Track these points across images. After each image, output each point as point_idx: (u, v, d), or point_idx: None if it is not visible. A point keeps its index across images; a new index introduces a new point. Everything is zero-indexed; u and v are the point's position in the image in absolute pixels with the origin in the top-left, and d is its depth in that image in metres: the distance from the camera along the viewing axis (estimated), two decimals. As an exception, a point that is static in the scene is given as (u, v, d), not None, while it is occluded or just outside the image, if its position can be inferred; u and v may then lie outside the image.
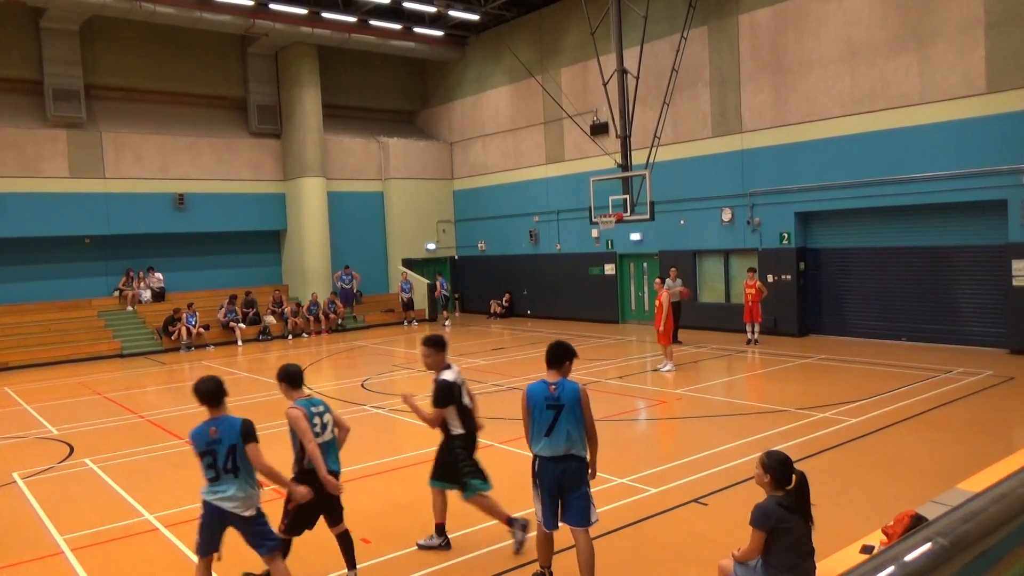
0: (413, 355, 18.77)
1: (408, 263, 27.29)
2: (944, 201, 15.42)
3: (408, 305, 25.43)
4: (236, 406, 13.01)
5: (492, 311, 26.22)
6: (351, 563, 5.64)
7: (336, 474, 5.62)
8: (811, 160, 17.40)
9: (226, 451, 5.06)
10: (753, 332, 17.16)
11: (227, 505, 5.03)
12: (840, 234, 17.72)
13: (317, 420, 5.59)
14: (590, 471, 5.34)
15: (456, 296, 28.66)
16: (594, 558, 5.18)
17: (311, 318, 23.61)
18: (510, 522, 6.11)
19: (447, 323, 24.88)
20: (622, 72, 19.23)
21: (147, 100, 24.05)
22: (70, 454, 10.11)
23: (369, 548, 6.36)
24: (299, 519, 5.58)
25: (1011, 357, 14.21)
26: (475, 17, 24.19)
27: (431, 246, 27.95)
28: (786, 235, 18.09)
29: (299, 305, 23.96)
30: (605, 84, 19.62)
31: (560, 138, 23.79)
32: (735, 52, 18.80)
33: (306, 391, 5.72)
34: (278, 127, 25.57)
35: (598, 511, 5.41)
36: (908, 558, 1.53)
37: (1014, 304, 14.58)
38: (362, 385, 14.42)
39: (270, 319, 23.33)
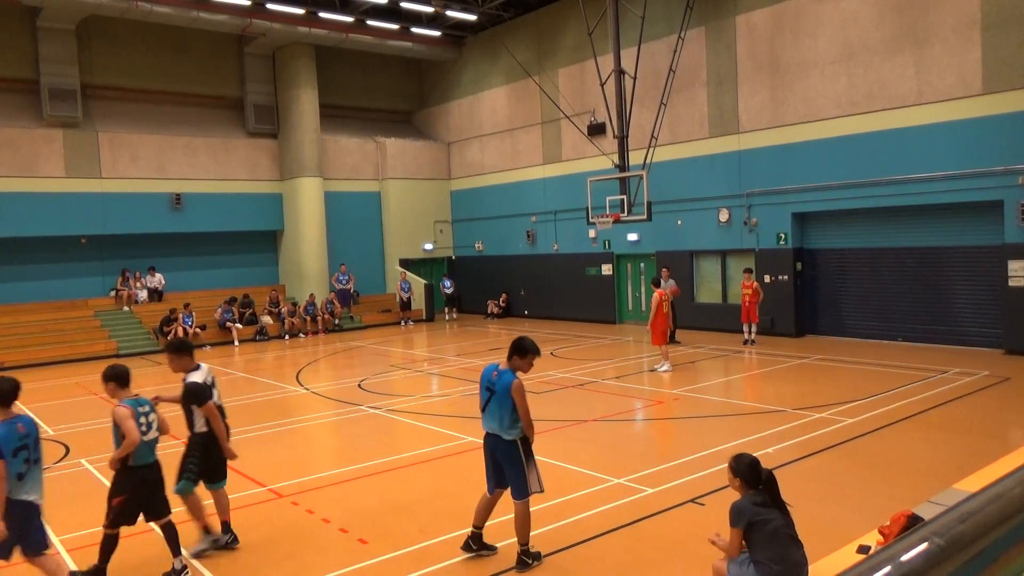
0: (411, 355, 18.77)
1: (405, 263, 27.28)
2: (940, 202, 15.45)
3: (406, 305, 25.41)
4: (231, 406, 13.02)
5: (489, 311, 26.22)
6: (176, 550, 5.90)
7: (153, 466, 5.90)
8: (808, 161, 17.42)
9: (33, 444, 5.39)
10: (750, 332, 17.18)
11: (40, 500, 5.32)
12: (837, 235, 17.75)
13: (143, 419, 5.76)
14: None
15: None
16: (527, 524, 5.82)
17: (308, 318, 23.58)
18: (206, 529, 6.40)
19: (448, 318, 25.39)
20: (619, 72, 19.24)
21: (144, 100, 24.01)
22: (66, 454, 10.08)
23: (366, 549, 6.35)
24: (122, 514, 5.77)
25: (1007, 357, 14.25)
26: (472, 17, 24.19)
27: (428, 246, 27.94)
28: (783, 235, 18.12)
29: (295, 305, 23.92)
30: (602, 84, 19.64)
31: (557, 138, 23.79)
32: (732, 53, 18.82)
33: (133, 391, 5.80)
34: (275, 127, 25.54)
35: (599, 509, 5.44)
36: (904, 558, 1.53)
37: (1010, 304, 14.62)
38: (359, 385, 14.41)
39: (267, 319, 23.30)
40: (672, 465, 8.31)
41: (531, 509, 5.93)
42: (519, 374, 5.88)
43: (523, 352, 5.87)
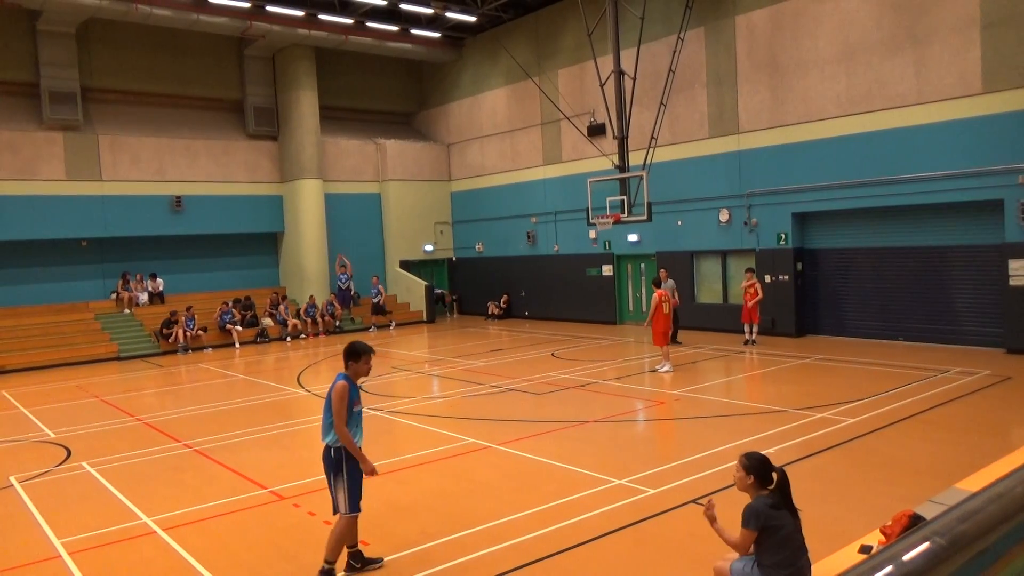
0: (412, 357, 18.76)
1: (406, 265, 27.28)
2: (941, 201, 15.45)
3: (378, 309, 24.38)
4: (232, 408, 13.05)
5: (490, 312, 26.22)
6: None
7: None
8: (808, 161, 17.42)
9: None
10: (751, 333, 17.18)
11: None
12: (837, 234, 17.75)
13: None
14: (363, 466, 5.71)
15: (454, 298, 28.65)
16: (335, 540, 5.66)
17: (308, 320, 23.58)
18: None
19: (372, 330, 24.35)
20: (619, 73, 19.24)
21: (144, 102, 24.03)
22: (67, 457, 10.08)
23: (367, 550, 6.34)
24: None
25: (1008, 357, 14.24)
26: (472, 19, 24.20)
27: (429, 248, 27.94)
28: (783, 235, 18.11)
29: (294, 302, 23.90)
30: (602, 85, 19.64)
31: (557, 139, 23.80)
32: (732, 53, 18.83)
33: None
34: (275, 129, 25.56)
35: (600, 510, 5.41)
36: (906, 557, 1.53)
37: (1011, 304, 14.61)
38: (360, 387, 14.39)
39: (267, 321, 23.30)
40: (673, 466, 8.31)
41: (524, 512, 5.90)
42: (360, 380, 5.90)
43: (356, 356, 5.82)
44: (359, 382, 5.94)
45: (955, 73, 14.98)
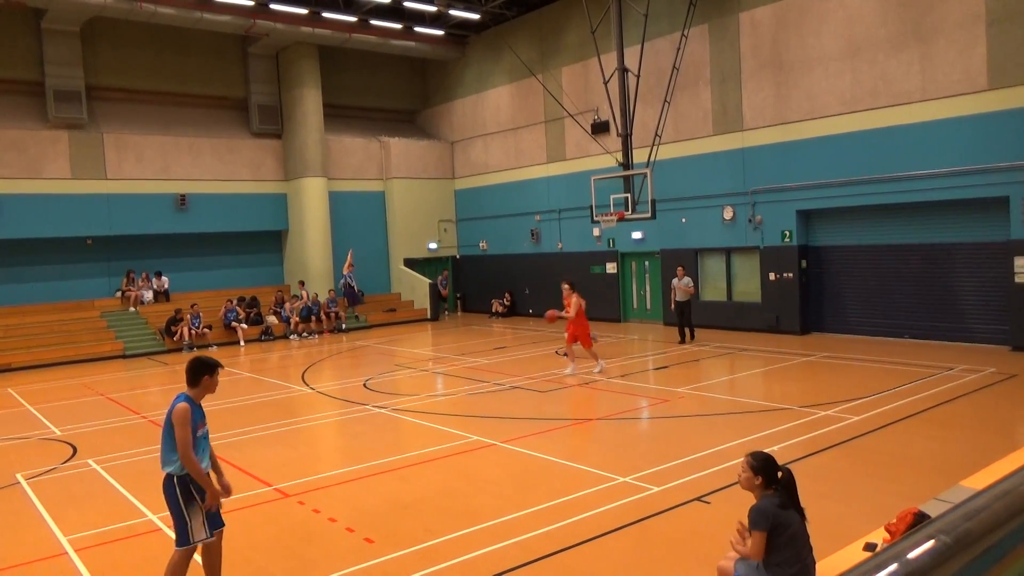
0: (416, 355, 18.78)
1: (410, 263, 27.30)
2: (946, 198, 15.40)
3: (354, 299, 23.51)
4: (237, 406, 13.08)
5: (493, 310, 26.22)
6: None
7: None
8: (812, 158, 17.38)
9: None
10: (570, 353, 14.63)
11: None
12: (842, 232, 17.70)
13: None
14: (208, 493, 5.18)
15: (457, 296, 28.68)
16: (170, 572, 5.16)
17: (313, 318, 23.61)
18: None
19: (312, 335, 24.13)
20: (623, 70, 19.21)
21: (148, 101, 24.07)
22: (73, 455, 10.12)
23: (372, 548, 6.36)
24: None
25: (1013, 354, 14.19)
26: (475, 16, 24.18)
27: (433, 245, 27.96)
28: (788, 233, 18.08)
29: (297, 298, 23.88)
30: (606, 83, 19.60)
31: (561, 137, 23.78)
32: (736, 50, 18.78)
33: None
34: (279, 127, 25.59)
35: (604, 508, 5.39)
36: (911, 555, 1.53)
37: (1016, 301, 14.56)
38: (364, 385, 14.43)
39: (272, 319, 23.34)
40: (677, 463, 8.31)
41: (532, 508, 5.89)
42: (207, 397, 5.31)
43: (201, 373, 5.24)
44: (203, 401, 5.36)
45: (960, 70, 14.92)
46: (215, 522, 5.32)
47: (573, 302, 13.93)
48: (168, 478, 5.16)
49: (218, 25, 22.33)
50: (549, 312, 14.84)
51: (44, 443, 10.98)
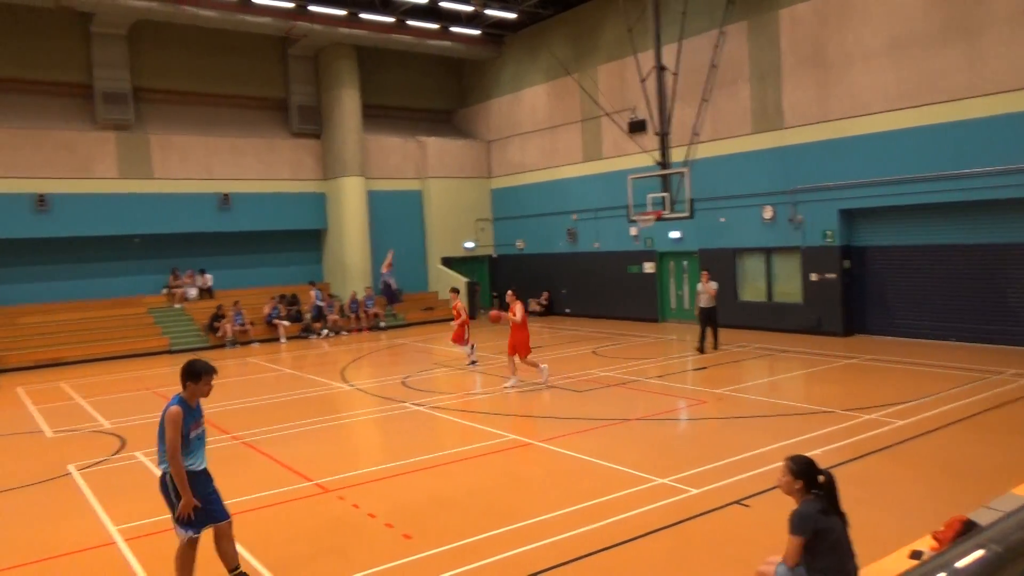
0: (454, 353, 18.87)
1: (447, 262, 27.46)
2: (996, 197, 14.97)
3: (318, 315, 23.47)
4: (279, 402, 13.30)
5: (531, 310, 26.24)
6: None
7: None
8: (856, 156, 17.04)
9: None
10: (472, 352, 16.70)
11: None
12: (886, 231, 17.32)
13: None
14: (183, 499, 5.29)
15: (494, 295, 28.75)
16: (177, 567, 5.50)
17: (352, 316, 23.92)
18: None
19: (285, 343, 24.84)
20: (660, 69, 19.05)
21: (192, 102, 24.62)
22: (122, 447, 10.42)
23: (409, 544, 6.44)
24: None
25: (1067, 358, 13.75)
26: (512, 15, 24.22)
27: (469, 245, 28.08)
28: (829, 233, 17.75)
29: (332, 296, 24.20)
30: (643, 81, 19.46)
31: (598, 136, 23.69)
32: (776, 47, 18.50)
33: None
34: (318, 127, 25.95)
35: (642, 509, 5.36)
36: (959, 564, 1.51)
37: (1070, 303, 14.10)
38: (403, 382, 14.57)
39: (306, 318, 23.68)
40: (716, 466, 8.23)
41: (558, 512, 5.88)
42: (201, 400, 5.53)
43: (195, 376, 5.44)
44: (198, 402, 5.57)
45: (1009, 64, 14.48)
46: (212, 517, 5.53)
47: (518, 308, 13.54)
48: (164, 476, 5.41)
49: (258, 27, 22.74)
50: (492, 312, 14.73)
51: (94, 435, 11.32)
